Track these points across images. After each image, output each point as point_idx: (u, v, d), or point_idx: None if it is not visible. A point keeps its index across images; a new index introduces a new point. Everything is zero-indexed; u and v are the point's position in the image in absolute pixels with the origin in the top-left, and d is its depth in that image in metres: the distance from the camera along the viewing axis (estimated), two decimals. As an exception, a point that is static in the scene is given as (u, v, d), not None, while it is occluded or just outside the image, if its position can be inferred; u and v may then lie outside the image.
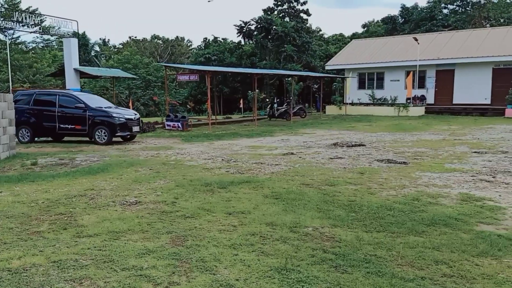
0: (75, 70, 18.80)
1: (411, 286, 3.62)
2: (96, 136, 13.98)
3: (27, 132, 14.53)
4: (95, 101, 14.85)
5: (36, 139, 14.82)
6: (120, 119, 14.09)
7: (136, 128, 14.69)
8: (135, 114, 14.98)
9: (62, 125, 14.23)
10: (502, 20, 43.18)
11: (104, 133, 13.94)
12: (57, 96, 14.53)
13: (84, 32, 44.59)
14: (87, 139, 14.49)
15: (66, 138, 15.12)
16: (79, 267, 4.07)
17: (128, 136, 14.73)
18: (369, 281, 3.72)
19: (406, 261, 4.17)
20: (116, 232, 5.04)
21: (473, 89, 26.95)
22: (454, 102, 27.83)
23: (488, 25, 42.83)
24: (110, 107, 14.82)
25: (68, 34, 19.45)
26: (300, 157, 10.75)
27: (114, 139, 14.45)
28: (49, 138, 15.22)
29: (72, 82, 18.68)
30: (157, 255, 4.32)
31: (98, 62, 45.60)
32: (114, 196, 6.82)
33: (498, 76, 26.48)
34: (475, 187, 7.21)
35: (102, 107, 14.40)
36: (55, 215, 5.79)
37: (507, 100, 24.30)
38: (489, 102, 26.53)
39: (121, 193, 7.02)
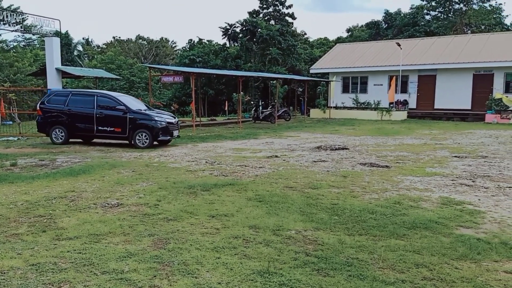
0: (57, 69, 18.48)
1: (392, 289, 3.66)
2: (137, 140, 13.43)
3: (61, 133, 14.07)
4: (134, 103, 14.39)
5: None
6: (162, 122, 13.59)
7: (176, 132, 14.32)
8: (174, 118, 14.63)
9: (100, 127, 13.67)
10: (482, 27, 44.12)
11: (146, 137, 13.43)
12: (95, 97, 13.94)
13: (67, 31, 44.00)
14: (126, 142, 13.82)
15: (98, 141, 14.60)
16: (58, 270, 3.99)
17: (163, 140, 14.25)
18: (351, 284, 3.74)
19: (387, 264, 4.20)
20: (96, 234, 4.97)
21: (454, 94, 27.44)
22: (435, 107, 28.27)
23: (469, 31, 43.72)
24: (148, 109, 14.44)
25: (50, 33, 19.15)
26: (284, 160, 10.78)
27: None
28: (77, 139, 14.61)
29: (53, 82, 18.35)
30: (139, 258, 4.27)
31: (81, 62, 45.02)
32: (96, 198, 6.73)
33: (479, 82, 27.01)
34: (455, 191, 7.32)
35: (141, 110, 13.98)
36: (34, 217, 5.68)
37: (487, 106, 24.79)
38: (469, 107, 27.04)
39: (102, 195, 6.93)
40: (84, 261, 4.19)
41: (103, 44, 61.96)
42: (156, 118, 13.60)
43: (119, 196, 6.87)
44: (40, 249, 4.52)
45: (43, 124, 14.43)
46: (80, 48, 51.61)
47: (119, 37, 62.15)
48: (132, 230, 5.15)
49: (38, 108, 14.49)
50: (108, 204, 6.34)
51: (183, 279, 3.81)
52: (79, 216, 5.75)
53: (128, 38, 61.99)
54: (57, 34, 20.28)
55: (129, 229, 5.20)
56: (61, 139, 14.08)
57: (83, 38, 59.29)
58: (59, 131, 14.09)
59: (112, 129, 13.63)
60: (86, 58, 50.77)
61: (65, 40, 41.13)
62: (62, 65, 20.26)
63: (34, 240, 4.83)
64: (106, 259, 4.23)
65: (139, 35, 62.12)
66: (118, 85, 37.66)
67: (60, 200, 6.58)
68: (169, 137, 14.04)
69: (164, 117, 13.92)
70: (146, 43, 61.25)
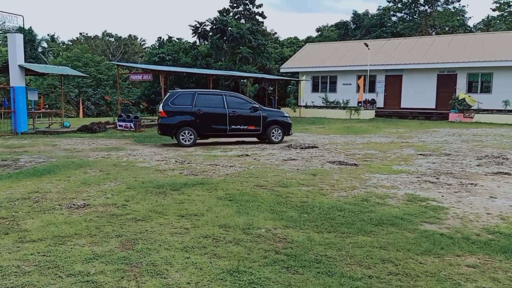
0: (20, 67, 17.86)
1: (359, 285, 3.73)
2: (272, 136, 14.37)
3: (190, 134, 13.66)
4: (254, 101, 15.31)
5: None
6: (289, 118, 15.05)
7: None
8: None
9: (233, 126, 13.95)
10: (447, 28, 45.52)
11: (279, 132, 14.46)
12: (223, 96, 14.22)
13: (30, 27, 42.63)
14: (256, 139, 14.91)
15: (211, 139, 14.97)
16: (21, 273, 3.87)
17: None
18: (319, 281, 3.79)
19: (355, 260, 4.28)
20: (61, 236, 4.84)
21: (420, 94, 28.20)
22: (402, 106, 28.97)
23: (433, 33, 45.02)
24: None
25: (13, 29, 18.52)
26: (254, 159, 10.80)
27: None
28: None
29: (16, 79, 17.72)
30: (106, 260, 4.18)
31: (45, 59, 43.71)
32: (61, 199, 6.56)
33: (443, 82, 27.85)
34: (420, 188, 7.53)
35: (268, 108, 15.07)
36: (-4, 220, 5.48)
37: (451, 105, 25.59)
38: (434, 107, 27.85)
39: (68, 195, 6.76)
40: (48, 264, 4.07)
41: (69, 40, 60.38)
42: (285, 115, 15.03)
43: (85, 196, 6.72)
44: (2, 252, 4.37)
45: (168, 126, 13.70)
46: (44, 44, 50.11)
47: (86, 34, 60.73)
48: (99, 231, 5.05)
49: (161, 110, 13.74)
50: (74, 205, 6.19)
51: (151, 280, 3.77)
52: (43, 217, 5.59)
53: (95, 35, 60.65)
54: (20, 30, 19.64)
55: (95, 230, 5.09)
56: (189, 140, 13.66)
57: (47, 35, 57.48)
58: (187, 132, 13.65)
59: (246, 127, 14.16)
60: (51, 55, 49.32)
61: (29, 37, 39.86)
62: (25, 62, 19.62)
63: (-4, 243, 4.66)
64: (72, 262, 4.13)
65: (106, 31, 60.71)
66: (85, 83, 36.79)
67: (23, 202, 6.37)
68: (292, 132, 15.33)
69: (286, 114, 15.28)
70: (113, 40, 60.06)
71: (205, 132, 14.03)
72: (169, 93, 14.05)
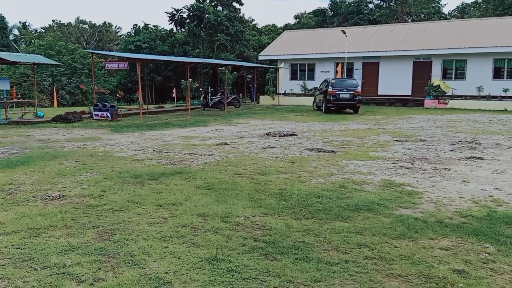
0: (-10, 55, 17.37)
1: (335, 270, 3.79)
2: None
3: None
4: None
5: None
6: None
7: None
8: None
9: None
10: (422, 16, 46.09)
11: None
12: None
13: (1, 14, 41.29)
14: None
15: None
16: (-6, 267, 3.79)
17: None
18: (297, 267, 3.84)
19: (332, 246, 4.35)
20: (36, 228, 4.76)
21: (396, 81, 28.54)
22: (379, 93, 29.29)
23: (409, 20, 45.51)
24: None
25: (-19, 16, 17.92)
26: (233, 147, 10.78)
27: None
28: None
29: (-14, 68, 17.28)
30: (82, 251, 4.14)
31: (17, 47, 42.45)
32: (35, 190, 6.43)
33: (418, 69, 28.24)
34: (395, 174, 7.66)
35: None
36: (-33, 213, 5.34)
37: (426, 92, 26.01)
38: (409, 93, 28.26)
39: (43, 187, 6.63)
40: (23, 257, 4.00)
41: (42, 28, 58.72)
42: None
43: (60, 187, 6.60)
44: (-26, 246, 4.27)
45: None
46: (16, 32, 48.65)
47: (59, 21, 59.16)
48: (75, 223, 4.98)
49: (359, 90, 21.51)
50: (48, 196, 6.08)
51: (129, 271, 3.74)
52: (17, 209, 5.47)
53: (69, 22, 59.13)
54: (-11, 16, 18.96)
55: (71, 221, 5.02)
56: None
57: (19, 22, 55.79)
58: None
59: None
60: (23, 43, 47.97)
61: (0, 24, 38.59)
62: (-5, 50, 19.00)
63: (-33, 237, 4.55)
64: (47, 254, 4.07)
65: (79, 18, 59.25)
66: (59, 72, 35.95)
67: (-4, 194, 6.22)
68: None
69: None
70: (88, 27, 58.69)
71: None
72: (355, 80, 21.57)
